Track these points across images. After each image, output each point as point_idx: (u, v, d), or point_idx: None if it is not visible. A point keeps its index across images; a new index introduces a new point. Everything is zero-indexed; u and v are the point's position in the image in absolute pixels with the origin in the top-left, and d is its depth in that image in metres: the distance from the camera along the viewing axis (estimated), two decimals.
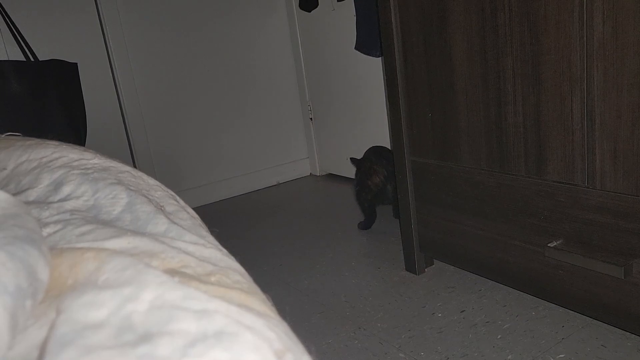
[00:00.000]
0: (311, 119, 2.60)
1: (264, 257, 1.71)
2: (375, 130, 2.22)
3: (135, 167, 2.21)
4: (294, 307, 1.35)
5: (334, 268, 1.56)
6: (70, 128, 1.83)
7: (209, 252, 0.40)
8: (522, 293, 1.25)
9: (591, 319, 1.11)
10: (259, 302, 0.32)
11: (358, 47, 2.03)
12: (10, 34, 1.84)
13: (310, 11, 2.30)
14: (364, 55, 2.07)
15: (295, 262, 1.64)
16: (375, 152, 1.80)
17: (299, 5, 2.34)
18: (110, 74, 2.13)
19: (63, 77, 1.85)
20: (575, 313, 1.13)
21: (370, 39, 1.96)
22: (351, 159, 1.88)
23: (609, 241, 0.93)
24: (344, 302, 1.34)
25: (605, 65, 0.86)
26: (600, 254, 0.95)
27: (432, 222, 1.34)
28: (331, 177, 2.61)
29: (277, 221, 2.06)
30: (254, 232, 1.97)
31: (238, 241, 1.89)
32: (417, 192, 1.36)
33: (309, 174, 2.71)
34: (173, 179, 2.27)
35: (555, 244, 1.02)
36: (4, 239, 0.26)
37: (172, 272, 0.33)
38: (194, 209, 0.55)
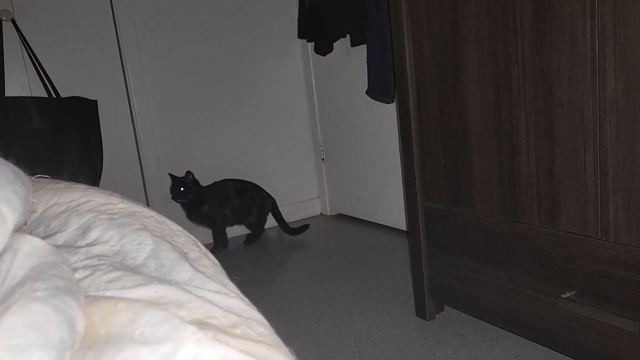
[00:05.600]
0: (323, 159, 2.63)
1: (272, 297, 1.71)
2: (386, 172, 2.24)
3: (147, 201, 2.22)
4: (303, 350, 1.34)
5: (344, 311, 1.54)
6: (87, 163, 1.87)
7: (232, 301, 0.41)
8: (535, 343, 1.23)
9: None
10: (284, 356, 0.32)
11: (369, 92, 2.07)
12: (34, 70, 1.90)
13: (325, 55, 2.36)
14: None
15: (304, 303, 1.63)
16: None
17: (314, 49, 2.40)
18: (129, 112, 2.18)
19: (83, 113, 1.90)
20: None
21: (380, 86, 2.00)
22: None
23: (623, 294, 0.92)
24: (353, 347, 1.33)
25: (618, 120, 0.88)
26: (615, 307, 0.94)
27: (443, 268, 1.34)
28: (341, 217, 2.61)
29: (286, 261, 2.06)
30: (263, 271, 1.97)
31: (246, 281, 1.88)
32: (428, 237, 1.36)
33: (319, 213, 2.71)
34: (184, 216, 2.28)
35: (568, 295, 1.01)
36: (47, 290, 0.27)
37: (198, 324, 0.34)
38: (204, 246, 0.56)
